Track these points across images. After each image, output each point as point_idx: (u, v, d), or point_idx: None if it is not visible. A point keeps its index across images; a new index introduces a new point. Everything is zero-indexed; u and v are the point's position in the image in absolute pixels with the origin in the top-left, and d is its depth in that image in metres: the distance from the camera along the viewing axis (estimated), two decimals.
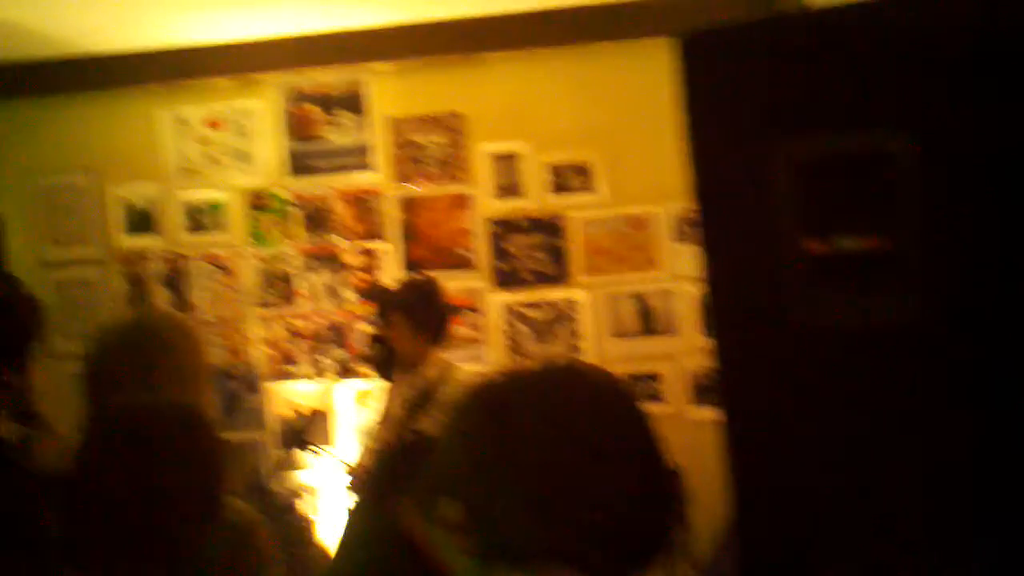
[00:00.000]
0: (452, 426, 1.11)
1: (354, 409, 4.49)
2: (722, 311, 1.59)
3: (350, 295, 4.57)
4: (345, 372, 4.51)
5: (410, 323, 3.47)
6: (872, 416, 1.43)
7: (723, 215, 1.60)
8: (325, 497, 4.44)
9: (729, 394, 1.65)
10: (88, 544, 1.51)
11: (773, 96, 1.52)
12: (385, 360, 3.48)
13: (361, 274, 4.56)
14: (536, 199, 4.43)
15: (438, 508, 1.06)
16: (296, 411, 4.56)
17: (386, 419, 3.61)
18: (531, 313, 4.48)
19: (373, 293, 3.71)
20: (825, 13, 1.52)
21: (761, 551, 1.56)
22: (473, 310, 4.46)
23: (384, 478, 3.28)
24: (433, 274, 4.35)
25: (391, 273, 4.52)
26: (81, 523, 1.52)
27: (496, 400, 1.08)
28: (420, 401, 3.38)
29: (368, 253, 4.55)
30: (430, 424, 3.40)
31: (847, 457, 1.50)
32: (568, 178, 4.40)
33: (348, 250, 4.56)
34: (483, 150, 4.44)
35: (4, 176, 4.71)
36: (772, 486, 1.56)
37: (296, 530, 4.02)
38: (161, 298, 4.65)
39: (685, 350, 4.41)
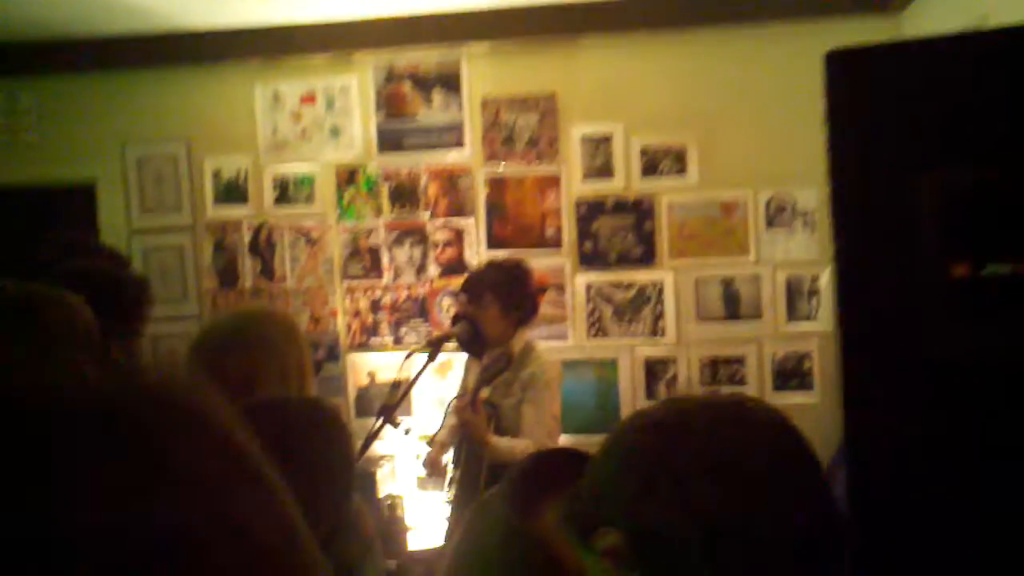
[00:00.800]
0: (613, 451, 1.06)
1: (434, 382, 4.51)
2: (852, 338, 1.49)
3: (434, 270, 4.62)
4: (426, 345, 4.54)
5: (499, 304, 3.49)
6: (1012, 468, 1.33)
7: (861, 235, 1.52)
8: (402, 468, 4.46)
9: (854, 428, 1.52)
10: None
11: (922, 117, 1.46)
12: (471, 339, 3.49)
13: (446, 250, 4.61)
14: (626, 181, 4.48)
15: (596, 536, 1.01)
16: (375, 381, 4.60)
17: (465, 395, 3.64)
18: (616, 294, 4.51)
19: (466, 276, 3.72)
20: (980, 36, 1.46)
21: None
22: (557, 289, 4.50)
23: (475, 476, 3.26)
24: (518, 253, 4.42)
25: (476, 250, 4.57)
26: None
27: (663, 428, 1.04)
28: (497, 374, 3.39)
29: (454, 230, 4.60)
30: (506, 399, 3.43)
31: (977, 513, 1.39)
32: (659, 161, 4.45)
33: (434, 226, 4.61)
34: (575, 131, 4.50)
35: (99, 145, 4.80)
36: (895, 537, 1.46)
37: (387, 509, 4.03)
38: (248, 267, 4.71)
39: (770, 335, 4.43)
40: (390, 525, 3.46)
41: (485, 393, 3.35)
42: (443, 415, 3.75)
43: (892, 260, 1.48)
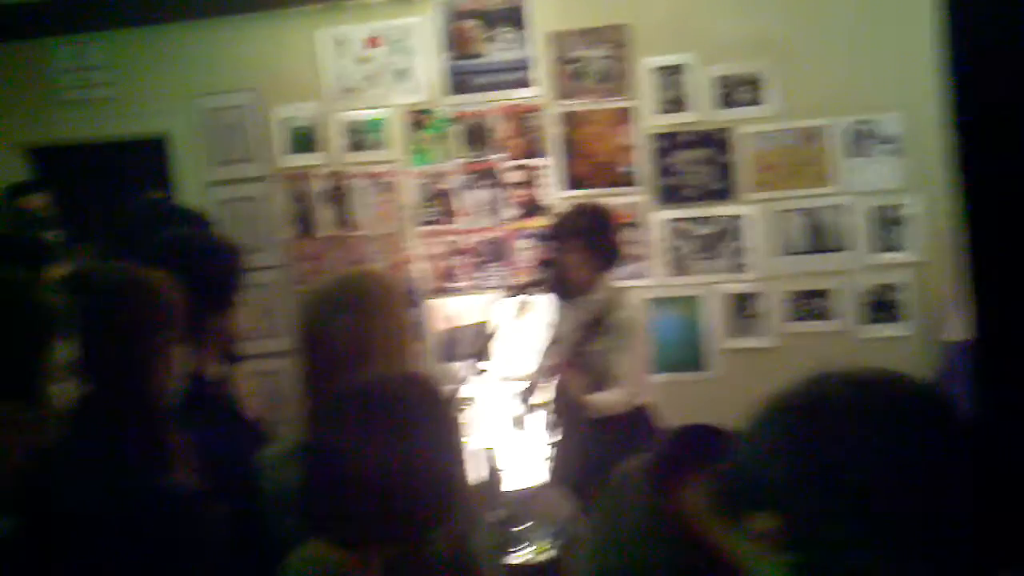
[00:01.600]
0: (766, 433, 1.04)
1: (514, 325, 4.49)
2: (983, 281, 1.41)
3: (508, 212, 4.57)
4: (505, 288, 4.51)
5: (585, 250, 3.46)
6: None
7: (988, 146, 1.40)
8: (485, 412, 4.47)
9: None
10: (347, 519, 1.49)
11: None
12: (559, 283, 3.47)
13: (520, 191, 4.55)
14: (702, 113, 4.34)
15: (751, 518, 1.01)
16: (453, 326, 4.60)
17: (557, 341, 3.62)
18: (695, 230, 4.42)
19: (552, 222, 3.67)
20: None
21: None
22: (635, 227, 4.41)
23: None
24: (593, 192, 4.34)
25: (550, 191, 4.50)
26: (342, 499, 1.49)
27: (822, 408, 1.02)
28: (592, 325, 3.37)
29: (528, 170, 4.53)
30: (603, 346, 3.40)
31: None
32: (736, 90, 4.30)
33: (508, 167, 4.54)
34: (647, 63, 4.36)
35: (171, 98, 4.80)
36: None
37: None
38: (323, 216, 4.72)
39: (855, 267, 4.30)
40: (490, 478, 3.48)
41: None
42: (537, 358, 3.74)
43: None
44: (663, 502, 1.11)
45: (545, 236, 3.76)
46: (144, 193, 4.20)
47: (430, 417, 1.57)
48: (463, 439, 1.67)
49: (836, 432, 0.99)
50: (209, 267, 2.21)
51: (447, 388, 1.70)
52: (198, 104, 4.79)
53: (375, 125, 4.64)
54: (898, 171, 4.22)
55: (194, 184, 4.80)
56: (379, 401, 1.56)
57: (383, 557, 1.51)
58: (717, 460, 1.10)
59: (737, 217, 4.36)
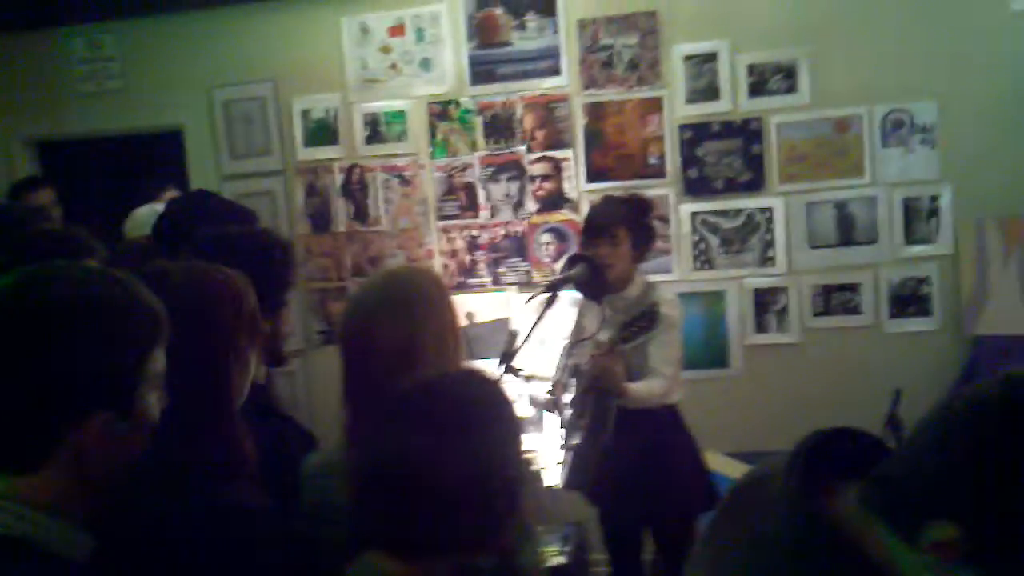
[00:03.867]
0: (946, 437, 0.97)
1: (538, 321, 4.40)
2: None
3: (532, 206, 4.47)
4: (545, 288, 4.43)
5: (631, 239, 3.35)
6: None
7: None
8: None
9: None
10: (409, 529, 1.38)
11: None
12: (590, 281, 3.33)
13: (545, 184, 4.45)
14: (732, 102, 4.26)
15: (925, 528, 0.94)
16: (474, 322, 4.50)
17: (586, 337, 3.51)
18: (722, 223, 4.33)
19: (589, 215, 3.55)
20: None
21: None
22: (662, 220, 4.32)
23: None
24: (620, 184, 4.25)
25: (575, 183, 4.41)
26: (403, 507, 1.38)
27: (1015, 409, 0.94)
28: (640, 333, 3.26)
29: (552, 162, 4.44)
30: (641, 341, 3.29)
31: None
32: (767, 79, 4.22)
33: (531, 160, 4.45)
34: (677, 51, 4.28)
35: (186, 88, 4.71)
36: None
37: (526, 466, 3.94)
38: (341, 210, 4.62)
39: (885, 260, 4.22)
40: (531, 483, 3.38)
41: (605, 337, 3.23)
42: (560, 357, 3.64)
43: None
44: (817, 509, 1.01)
45: (585, 229, 3.65)
46: (164, 188, 4.11)
47: (497, 417, 1.47)
48: (523, 442, 1.57)
49: None
50: (263, 266, 2.12)
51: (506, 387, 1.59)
52: (215, 95, 4.69)
53: (397, 117, 4.54)
54: (932, 161, 4.15)
55: (210, 177, 4.71)
56: (444, 400, 1.46)
57: (447, 569, 1.41)
58: (871, 464, 1.03)
59: (766, 210, 4.28)
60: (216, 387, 1.55)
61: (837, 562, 0.99)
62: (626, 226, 3.33)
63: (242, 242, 2.16)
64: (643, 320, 3.23)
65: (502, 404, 1.50)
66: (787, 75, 4.20)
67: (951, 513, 0.93)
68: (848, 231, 4.25)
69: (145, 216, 3.80)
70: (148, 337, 1.23)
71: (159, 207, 3.73)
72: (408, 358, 1.80)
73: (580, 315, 3.63)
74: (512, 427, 1.50)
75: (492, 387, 1.54)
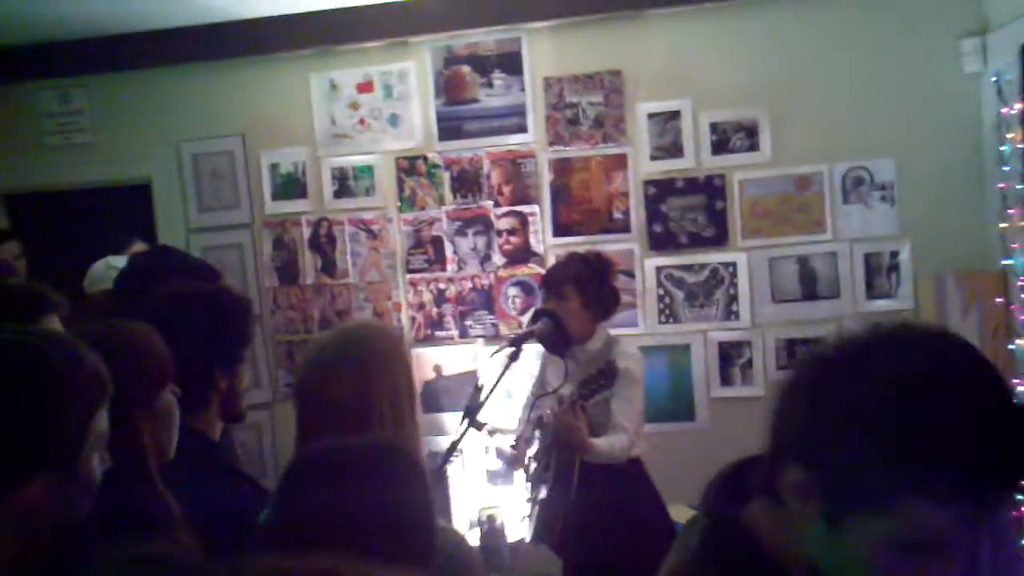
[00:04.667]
0: (783, 391, 1.09)
1: (502, 375, 4.40)
2: None
3: (499, 259, 4.50)
4: (508, 344, 4.44)
5: (581, 298, 3.42)
6: None
7: None
8: (471, 462, 4.37)
9: None
10: None
11: None
12: (554, 336, 3.37)
13: (512, 238, 4.49)
14: (695, 159, 4.33)
15: (786, 475, 1.04)
16: (441, 375, 4.50)
17: (549, 392, 3.53)
18: (687, 277, 4.38)
19: (547, 271, 3.61)
20: None
21: None
22: (627, 274, 4.36)
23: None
24: (585, 239, 4.30)
25: (541, 238, 4.45)
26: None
27: (834, 363, 1.04)
28: (599, 391, 3.30)
29: (518, 217, 4.48)
30: (604, 396, 3.32)
31: None
32: (730, 137, 4.30)
33: (498, 214, 4.49)
34: (641, 109, 4.35)
35: (154, 142, 4.73)
36: None
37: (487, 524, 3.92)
38: (309, 263, 4.63)
39: (847, 315, 4.28)
40: (491, 539, 3.35)
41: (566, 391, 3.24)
42: (523, 410, 3.65)
43: None
44: (728, 512, 1.14)
45: (541, 284, 3.70)
46: (130, 241, 4.09)
47: (396, 479, 1.45)
48: (431, 501, 1.55)
49: (850, 380, 1.00)
50: (220, 323, 2.12)
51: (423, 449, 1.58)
52: (183, 149, 4.72)
53: (365, 171, 4.58)
54: (892, 217, 4.22)
55: (178, 230, 4.71)
56: (343, 467, 1.44)
57: None
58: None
59: (729, 264, 4.33)
60: (124, 443, 1.53)
61: (736, 556, 1.09)
62: (574, 284, 3.39)
63: (198, 300, 2.17)
64: (602, 377, 3.28)
65: (407, 471, 1.49)
66: (749, 133, 4.28)
67: (798, 456, 1.03)
68: (811, 286, 4.31)
69: (101, 271, 3.79)
70: (92, 400, 1.24)
71: (115, 261, 3.73)
72: (361, 415, 1.80)
73: (543, 368, 3.65)
74: (414, 492, 1.47)
75: (396, 454, 1.52)
